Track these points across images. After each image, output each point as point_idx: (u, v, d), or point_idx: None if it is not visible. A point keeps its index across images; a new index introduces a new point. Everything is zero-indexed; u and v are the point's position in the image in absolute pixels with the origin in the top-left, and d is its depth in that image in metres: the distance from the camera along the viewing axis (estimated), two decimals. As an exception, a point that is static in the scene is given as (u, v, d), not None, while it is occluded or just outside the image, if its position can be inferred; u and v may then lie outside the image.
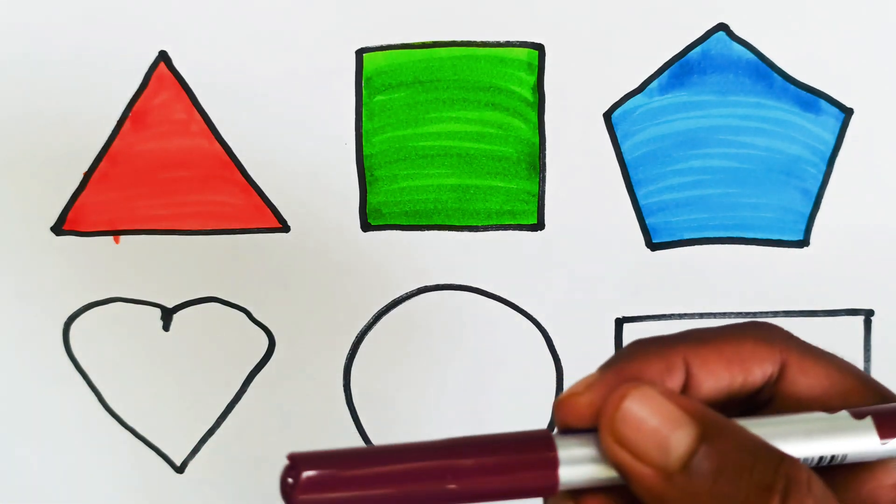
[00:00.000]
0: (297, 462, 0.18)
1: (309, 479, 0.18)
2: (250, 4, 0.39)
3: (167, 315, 0.41)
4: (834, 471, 0.21)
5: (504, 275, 0.40)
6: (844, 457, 0.20)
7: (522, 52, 0.39)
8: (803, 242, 0.39)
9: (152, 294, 0.41)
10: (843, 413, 0.20)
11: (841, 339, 0.39)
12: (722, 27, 0.38)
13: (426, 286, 0.40)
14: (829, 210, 0.39)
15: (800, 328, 0.41)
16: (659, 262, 0.40)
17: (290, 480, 0.18)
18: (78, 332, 0.41)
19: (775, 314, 0.40)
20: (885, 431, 0.20)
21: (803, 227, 0.39)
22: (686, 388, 0.21)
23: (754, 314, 0.40)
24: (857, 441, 0.20)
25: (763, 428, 0.20)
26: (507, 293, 0.40)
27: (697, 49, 0.39)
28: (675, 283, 0.40)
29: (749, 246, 0.40)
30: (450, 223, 0.40)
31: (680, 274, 0.40)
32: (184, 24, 0.39)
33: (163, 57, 0.40)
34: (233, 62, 0.40)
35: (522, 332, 0.40)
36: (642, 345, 0.21)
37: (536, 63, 0.39)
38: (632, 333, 0.40)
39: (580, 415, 0.20)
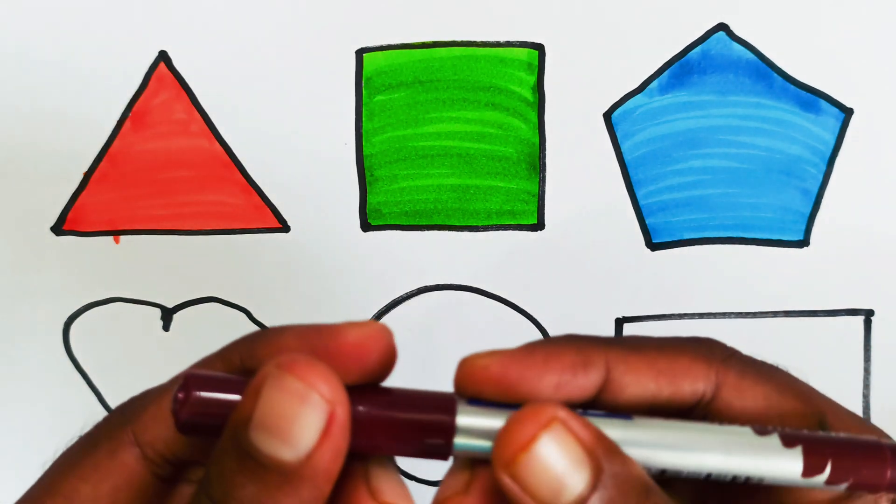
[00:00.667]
0: (189, 382, 0.18)
1: (198, 399, 0.18)
2: (250, 4, 0.39)
3: (167, 315, 0.41)
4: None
5: (504, 275, 0.40)
6: (761, 480, 0.19)
7: (522, 52, 0.39)
8: (803, 242, 0.39)
9: (152, 294, 0.41)
10: (774, 437, 0.19)
11: (841, 339, 0.39)
12: (722, 27, 0.38)
13: (426, 286, 0.40)
14: (829, 210, 0.39)
15: (800, 328, 0.41)
16: (659, 262, 0.40)
17: (179, 396, 0.18)
18: (78, 332, 0.41)
19: (775, 314, 0.40)
20: (812, 462, 0.19)
21: (803, 227, 0.39)
22: (605, 391, 0.20)
23: (754, 314, 0.40)
24: (779, 469, 0.19)
25: (685, 432, 0.19)
26: (507, 293, 0.40)
27: (697, 49, 0.39)
28: (675, 283, 0.40)
29: (749, 246, 0.40)
30: (450, 223, 0.40)
31: (680, 274, 0.40)
32: (184, 24, 0.39)
33: (163, 57, 0.40)
34: (233, 62, 0.40)
35: (522, 332, 0.40)
36: (570, 338, 0.21)
37: (536, 63, 0.39)
38: (632, 333, 0.40)
39: (474, 378, 0.20)
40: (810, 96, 0.39)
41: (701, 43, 0.39)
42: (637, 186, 0.39)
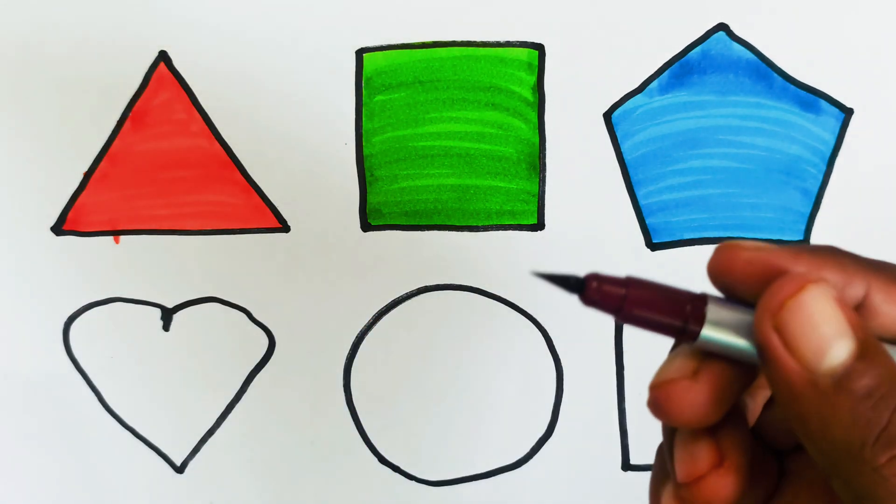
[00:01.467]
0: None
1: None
2: (250, 4, 0.39)
3: (167, 315, 0.41)
4: None
5: (504, 275, 0.40)
6: None
7: (522, 52, 0.39)
8: (803, 242, 0.39)
9: (152, 294, 0.41)
10: None
11: (841, 339, 0.39)
12: (722, 27, 0.38)
13: (426, 286, 0.40)
14: (829, 210, 0.39)
15: (800, 328, 0.41)
16: (659, 262, 0.40)
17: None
18: (78, 332, 0.41)
19: (775, 314, 0.40)
20: None
21: (803, 227, 0.39)
22: (859, 310, 0.20)
23: (754, 314, 0.40)
24: None
25: None
26: (507, 293, 0.40)
27: (697, 49, 0.39)
28: (675, 283, 0.40)
29: (749, 246, 0.40)
30: (450, 223, 0.40)
31: (680, 274, 0.40)
32: (184, 24, 0.39)
33: (163, 57, 0.40)
34: (233, 62, 0.40)
35: (522, 332, 0.40)
36: (833, 252, 0.21)
37: (536, 63, 0.39)
38: (632, 333, 0.40)
39: (733, 266, 0.21)
40: (810, 96, 0.39)
41: (701, 43, 0.39)
42: (637, 186, 0.39)
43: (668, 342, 0.41)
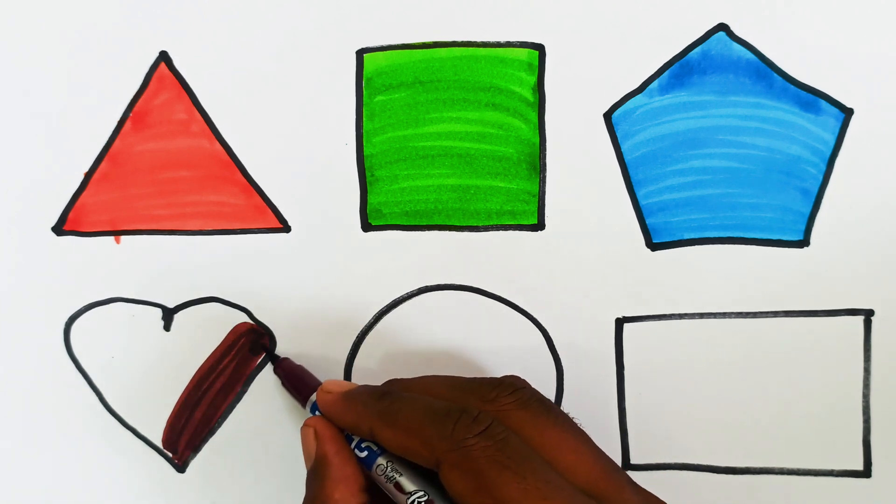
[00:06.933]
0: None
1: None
2: (250, 4, 0.39)
3: (168, 315, 0.41)
4: None
5: (504, 275, 0.40)
6: None
7: (522, 52, 0.39)
8: (803, 242, 0.39)
9: (153, 294, 0.41)
10: None
11: (841, 339, 0.39)
12: (722, 27, 0.38)
13: (426, 286, 0.40)
14: (829, 210, 0.39)
15: (800, 328, 0.41)
16: (659, 262, 0.40)
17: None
18: (78, 332, 0.41)
19: (775, 314, 0.40)
20: None
21: (803, 227, 0.39)
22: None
23: (754, 314, 0.40)
24: None
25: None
26: (507, 293, 0.40)
27: (697, 49, 0.39)
28: (675, 283, 0.40)
29: (749, 246, 0.40)
30: (450, 223, 0.40)
31: (680, 274, 0.40)
32: (184, 24, 0.39)
33: (163, 57, 0.40)
34: (233, 62, 0.40)
35: (522, 332, 0.40)
36: (365, 395, 0.34)
37: (536, 63, 0.39)
38: (632, 333, 0.40)
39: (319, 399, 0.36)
40: (810, 96, 0.39)
41: (701, 43, 0.39)
42: (637, 186, 0.39)
43: (667, 342, 0.41)
